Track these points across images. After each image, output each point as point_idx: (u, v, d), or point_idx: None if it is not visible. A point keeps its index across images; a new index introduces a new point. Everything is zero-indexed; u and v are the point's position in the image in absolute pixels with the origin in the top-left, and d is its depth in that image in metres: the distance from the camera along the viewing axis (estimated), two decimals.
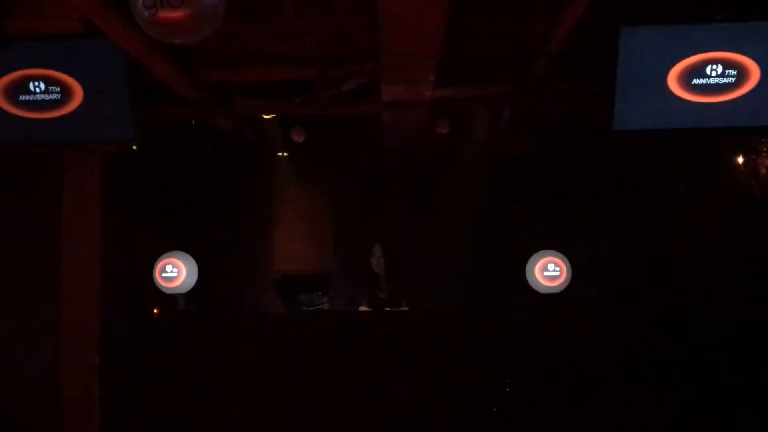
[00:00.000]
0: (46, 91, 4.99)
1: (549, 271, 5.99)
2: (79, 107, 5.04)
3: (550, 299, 6.01)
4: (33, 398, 5.64)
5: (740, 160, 6.42)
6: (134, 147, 5.19)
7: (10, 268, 5.80)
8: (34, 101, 5.00)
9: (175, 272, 6.08)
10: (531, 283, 6.07)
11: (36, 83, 4.98)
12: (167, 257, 6.09)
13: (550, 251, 6.06)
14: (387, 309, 6.27)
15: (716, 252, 6.14)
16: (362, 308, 6.37)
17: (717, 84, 4.81)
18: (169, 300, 6.18)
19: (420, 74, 5.29)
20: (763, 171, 6.17)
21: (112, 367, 5.57)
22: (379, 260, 6.34)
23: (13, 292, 5.76)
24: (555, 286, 5.99)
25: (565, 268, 5.98)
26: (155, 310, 6.19)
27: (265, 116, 6.94)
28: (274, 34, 5.09)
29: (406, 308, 6.31)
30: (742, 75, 4.78)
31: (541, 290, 6.04)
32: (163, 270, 6.08)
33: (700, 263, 6.24)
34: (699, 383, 5.31)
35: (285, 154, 7.97)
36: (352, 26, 4.98)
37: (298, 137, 7.39)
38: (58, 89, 4.98)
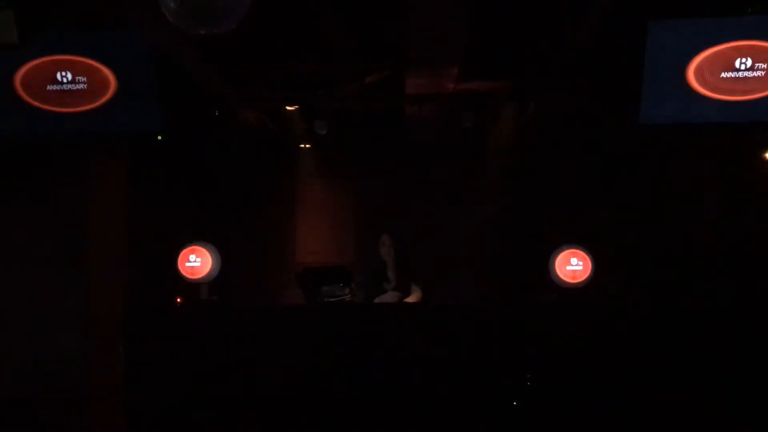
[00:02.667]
0: (73, 81, 5.03)
1: (572, 265, 5.94)
2: (108, 99, 5.08)
3: (573, 293, 5.97)
4: (59, 385, 5.72)
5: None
6: (159, 138, 5.23)
7: (38, 258, 5.89)
8: (61, 91, 5.04)
9: (199, 261, 6.12)
10: (554, 276, 6.03)
11: (63, 73, 5.02)
12: (191, 246, 6.14)
13: (574, 245, 6.02)
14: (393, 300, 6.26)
15: (745, 247, 6.07)
16: (387, 299, 6.38)
17: (746, 78, 4.74)
18: (191, 290, 6.22)
19: (444, 67, 5.27)
20: None
21: (136, 355, 5.63)
22: (388, 249, 6.35)
23: (41, 281, 5.84)
24: (578, 280, 5.94)
25: (588, 263, 5.93)
26: (178, 300, 6.24)
27: (288, 108, 6.96)
28: (299, 26, 5.09)
29: (416, 294, 6.27)
30: None
31: (564, 284, 6.00)
32: (187, 259, 6.12)
33: (728, 259, 6.16)
34: (727, 383, 5.26)
35: (308, 146, 7.98)
36: (377, 18, 4.97)
37: (321, 129, 7.40)
38: (85, 79, 5.03)
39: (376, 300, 6.31)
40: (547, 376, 5.41)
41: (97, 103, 5.08)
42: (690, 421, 5.24)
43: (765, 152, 6.39)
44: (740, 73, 4.73)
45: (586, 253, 5.94)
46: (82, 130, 5.16)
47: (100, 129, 5.17)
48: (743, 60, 4.71)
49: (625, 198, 6.99)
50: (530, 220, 7.33)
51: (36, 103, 5.09)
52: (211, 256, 6.15)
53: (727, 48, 4.70)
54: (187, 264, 6.11)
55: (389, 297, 6.31)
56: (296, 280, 6.46)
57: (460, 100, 6.26)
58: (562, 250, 5.98)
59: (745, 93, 4.75)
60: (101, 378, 5.71)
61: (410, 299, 6.24)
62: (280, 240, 7.97)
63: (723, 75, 4.74)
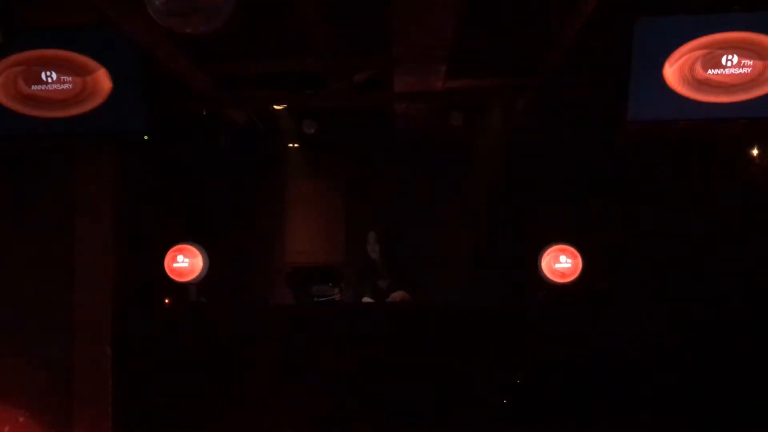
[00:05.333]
0: (58, 81, 4.96)
1: (561, 263, 5.95)
2: (102, 101, 5.00)
3: (562, 291, 5.97)
4: (46, 388, 5.68)
5: (755, 152, 6.36)
6: (146, 138, 5.19)
7: (25, 260, 5.83)
8: (46, 91, 4.96)
9: (187, 262, 6.09)
10: (542, 274, 6.03)
11: (48, 73, 4.95)
12: (178, 247, 6.11)
13: (563, 243, 6.02)
14: (387, 300, 6.24)
15: (732, 246, 6.08)
16: (365, 299, 6.36)
17: (733, 75, 4.75)
18: (180, 290, 6.19)
19: (432, 65, 5.27)
20: None
21: (125, 357, 5.60)
22: (373, 246, 6.36)
23: (28, 283, 5.79)
24: (567, 278, 5.95)
25: (577, 260, 5.94)
26: (167, 301, 6.21)
27: (276, 108, 6.94)
28: (286, 25, 5.07)
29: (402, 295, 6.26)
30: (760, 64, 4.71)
31: (552, 282, 6.00)
32: (174, 260, 6.09)
33: (716, 257, 6.18)
34: (721, 381, 5.27)
35: (296, 145, 7.96)
36: (364, 16, 4.95)
37: (310, 129, 7.38)
38: (70, 79, 4.96)
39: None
40: (537, 374, 5.42)
41: (90, 107, 4.98)
42: (685, 421, 5.25)
43: (753, 149, 6.43)
44: (727, 70, 4.74)
45: (575, 252, 5.95)
46: (68, 132, 5.10)
47: (87, 131, 5.10)
48: (730, 57, 4.72)
49: (614, 195, 7.01)
50: (519, 217, 7.33)
51: (16, 107, 4.99)
52: (199, 256, 6.12)
53: (713, 45, 4.71)
54: (175, 265, 6.08)
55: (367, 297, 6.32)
56: (285, 280, 6.45)
57: (449, 98, 6.25)
58: (551, 248, 5.98)
59: (732, 90, 4.76)
60: (88, 380, 5.67)
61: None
62: (268, 240, 7.95)
63: (710, 72, 4.75)
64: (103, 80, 4.94)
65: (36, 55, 4.90)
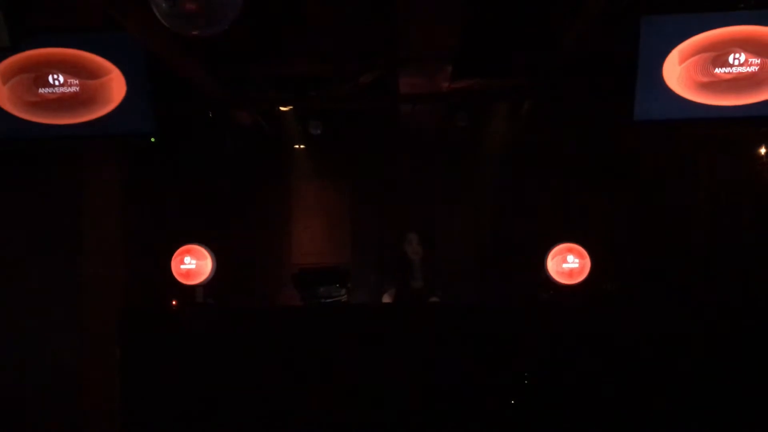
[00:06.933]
0: (64, 84, 4.97)
1: (569, 263, 5.93)
2: (118, 104, 5.01)
3: (570, 293, 5.96)
4: (53, 389, 5.70)
5: (763, 150, 6.35)
6: (153, 140, 5.21)
7: (33, 261, 5.86)
8: (55, 94, 4.98)
9: (193, 264, 6.11)
10: (550, 275, 6.02)
11: (55, 75, 4.97)
12: (185, 249, 6.12)
13: (570, 243, 6.01)
14: (418, 299, 6.24)
15: (742, 243, 6.07)
16: (386, 299, 6.36)
17: (740, 73, 4.74)
18: (187, 292, 6.20)
19: (437, 66, 5.27)
20: None
21: (131, 359, 5.61)
22: (415, 248, 6.33)
23: (35, 284, 5.82)
24: (575, 278, 5.93)
25: (584, 260, 5.93)
26: (173, 303, 6.22)
27: (282, 109, 6.95)
28: (292, 26, 5.08)
29: (436, 299, 6.28)
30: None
31: (560, 283, 5.99)
32: (181, 261, 6.10)
33: (725, 256, 6.17)
34: (726, 381, 5.25)
35: (302, 146, 7.97)
36: (370, 18, 4.96)
37: (316, 130, 7.40)
38: (77, 82, 4.98)
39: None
40: (545, 374, 5.41)
41: (103, 112, 4.99)
42: (689, 420, 5.24)
43: (760, 147, 6.41)
44: (734, 69, 4.73)
45: (583, 252, 5.93)
46: (76, 135, 5.11)
47: (97, 134, 5.12)
48: (737, 55, 4.71)
49: (620, 195, 7.00)
50: (526, 218, 7.33)
51: (24, 114, 5.01)
52: (206, 258, 6.13)
53: (720, 43, 4.71)
54: (182, 266, 6.09)
55: (387, 297, 6.32)
56: (292, 281, 6.45)
57: (455, 98, 6.24)
58: (558, 247, 5.97)
59: (739, 89, 4.75)
60: (96, 382, 5.69)
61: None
62: (275, 241, 7.96)
63: (717, 71, 4.75)
64: (116, 84, 4.95)
65: (45, 54, 4.90)
